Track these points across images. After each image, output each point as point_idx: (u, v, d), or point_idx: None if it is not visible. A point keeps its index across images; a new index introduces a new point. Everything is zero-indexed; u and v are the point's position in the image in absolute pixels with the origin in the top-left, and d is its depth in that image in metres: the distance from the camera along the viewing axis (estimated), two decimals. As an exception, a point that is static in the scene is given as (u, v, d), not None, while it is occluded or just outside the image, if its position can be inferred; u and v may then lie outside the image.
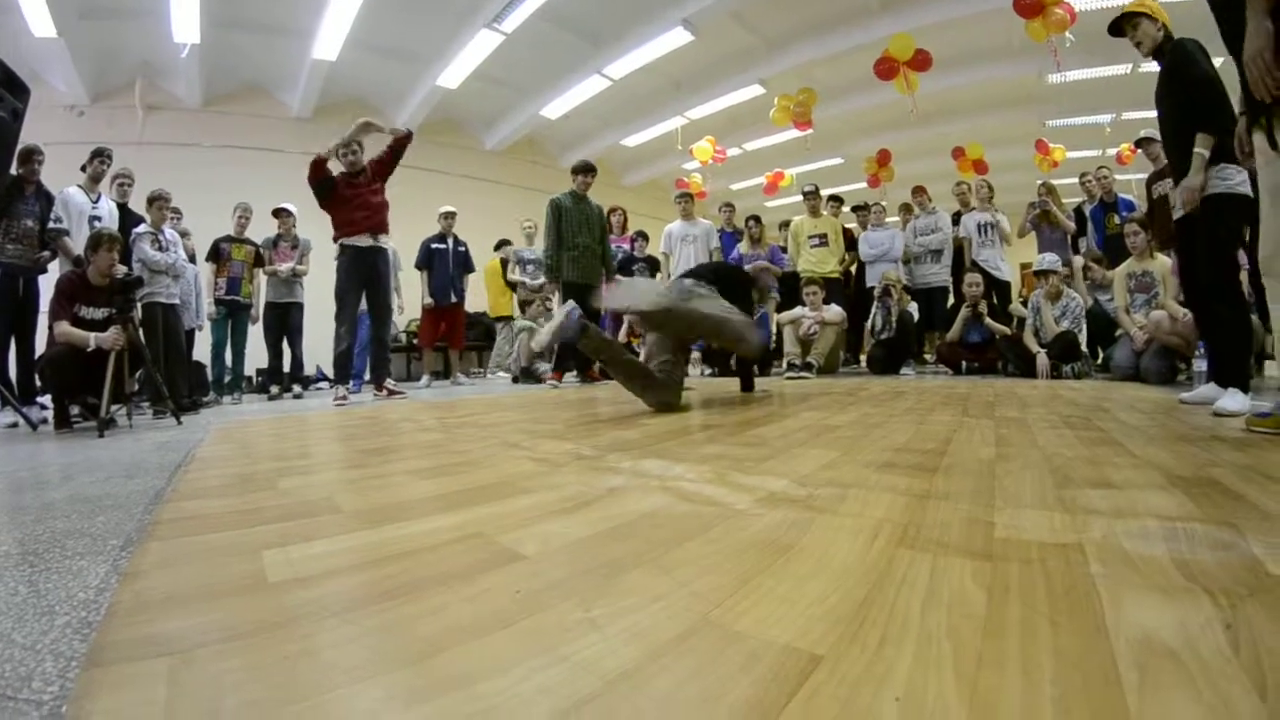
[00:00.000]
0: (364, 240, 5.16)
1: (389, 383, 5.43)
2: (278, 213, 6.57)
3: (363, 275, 5.19)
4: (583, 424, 2.64)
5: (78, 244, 4.61)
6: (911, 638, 0.60)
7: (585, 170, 6.35)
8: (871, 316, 6.96)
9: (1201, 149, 2.74)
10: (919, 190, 7.64)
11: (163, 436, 3.01)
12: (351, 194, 5.12)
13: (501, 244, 9.09)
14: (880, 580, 0.77)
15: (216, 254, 6.20)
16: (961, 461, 1.52)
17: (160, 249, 5.01)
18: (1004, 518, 1.03)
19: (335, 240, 5.19)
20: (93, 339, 3.62)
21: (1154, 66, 3.11)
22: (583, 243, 6.18)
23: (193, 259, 6.13)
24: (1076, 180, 7.27)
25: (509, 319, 8.86)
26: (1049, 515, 1.04)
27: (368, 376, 6.83)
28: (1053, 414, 2.58)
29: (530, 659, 0.58)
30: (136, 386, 4.17)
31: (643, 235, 8.13)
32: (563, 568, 0.83)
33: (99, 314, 3.86)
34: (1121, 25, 3.07)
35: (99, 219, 5.06)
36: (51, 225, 4.78)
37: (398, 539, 0.99)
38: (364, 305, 5.45)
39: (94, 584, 0.87)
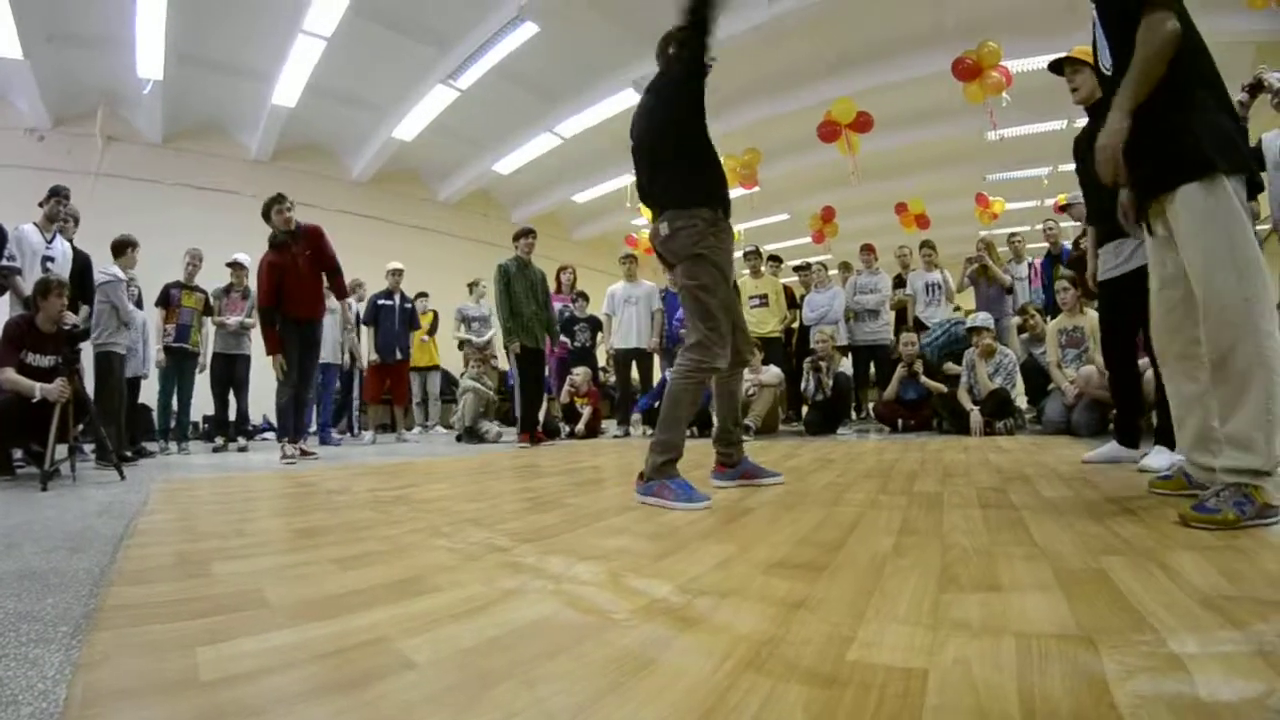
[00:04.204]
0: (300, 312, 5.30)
1: (303, 442, 5.56)
2: (233, 265, 6.64)
3: (301, 335, 5.32)
4: (510, 502, 2.80)
5: (29, 284, 4.64)
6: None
7: (526, 234, 6.54)
8: (804, 382, 7.21)
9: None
10: (868, 249, 8.00)
11: (105, 496, 3.10)
12: (291, 284, 5.25)
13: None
14: (713, 709, 0.83)
15: (166, 300, 6.24)
16: (854, 558, 1.60)
17: (134, 300, 5.05)
18: (867, 632, 1.09)
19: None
20: (38, 390, 3.67)
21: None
22: (529, 311, 6.34)
23: (139, 304, 6.16)
24: (1038, 228, 7.76)
25: (429, 370, 9.10)
26: (912, 631, 1.09)
27: (313, 426, 6.90)
28: (971, 486, 2.74)
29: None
30: (81, 428, 4.20)
31: (583, 296, 8.30)
32: (446, 678, 0.97)
33: (46, 361, 3.90)
34: (1062, 66, 3.20)
35: (52, 259, 5.07)
36: (4, 264, 4.78)
37: (314, 640, 1.14)
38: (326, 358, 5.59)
39: (50, 674, 1.00)
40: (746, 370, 6.95)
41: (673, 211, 2.83)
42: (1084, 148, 3.39)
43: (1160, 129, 1.95)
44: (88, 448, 4.77)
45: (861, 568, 1.52)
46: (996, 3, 7.80)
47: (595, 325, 8.16)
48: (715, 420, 3.14)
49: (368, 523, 2.31)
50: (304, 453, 5.42)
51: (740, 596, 1.34)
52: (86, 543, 1.96)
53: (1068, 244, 6.97)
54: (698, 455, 3.54)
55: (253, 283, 6.66)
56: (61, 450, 3.75)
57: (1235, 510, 1.73)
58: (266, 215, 5.33)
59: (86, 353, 5.30)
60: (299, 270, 5.29)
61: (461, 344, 8.87)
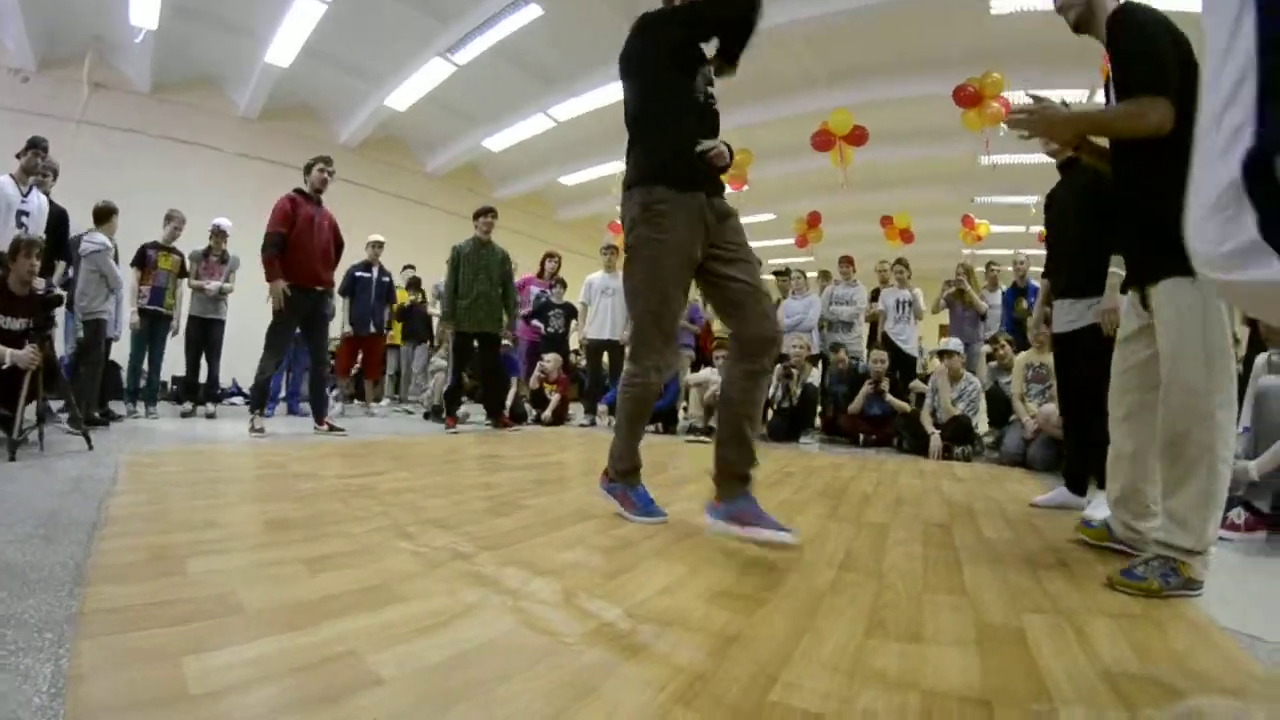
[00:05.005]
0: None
1: (329, 418, 5.60)
2: (214, 231, 6.60)
3: (303, 312, 5.25)
4: (473, 499, 2.89)
5: (3, 238, 4.57)
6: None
7: (484, 213, 6.41)
8: (773, 389, 7.32)
9: (1117, 269, 2.68)
10: (846, 261, 8.10)
11: (74, 470, 3.12)
12: (305, 234, 5.18)
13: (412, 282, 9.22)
14: (640, 742, 0.93)
15: (142, 261, 6.16)
16: (794, 591, 1.70)
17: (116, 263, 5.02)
18: (791, 673, 1.19)
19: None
20: (8, 356, 3.61)
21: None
22: (480, 289, 6.20)
23: (115, 259, 6.11)
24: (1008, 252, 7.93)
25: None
26: (832, 676, 1.19)
27: (283, 394, 6.92)
28: (918, 520, 2.85)
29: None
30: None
31: (561, 282, 8.31)
32: (410, 694, 1.07)
33: (17, 325, 3.83)
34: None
35: (27, 214, 4.97)
36: (-22, 218, 4.71)
37: (290, 651, 1.21)
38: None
39: (44, 688, 1.02)
40: (715, 371, 7.09)
41: (625, 192, 2.55)
42: (1052, 205, 3.71)
43: (1154, 214, 1.99)
44: (55, 406, 4.71)
45: (799, 602, 1.64)
46: (1004, 36, 7.88)
47: (570, 312, 8.17)
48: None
49: (335, 516, 2.38)
50: (332, 428, 5.46)
51: (682, 626, 1.44)
52: (60, 530, 1.99)
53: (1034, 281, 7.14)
54: (659, 455, 3.59)
55: (232, 248, 6.67)
56: (30, 414, 3.68)
57: (1160, 580, 1.87)
58: (308, 169, 5.42)
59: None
60: (316, 225, 5.29)
61: (427, 317, 8.97)
